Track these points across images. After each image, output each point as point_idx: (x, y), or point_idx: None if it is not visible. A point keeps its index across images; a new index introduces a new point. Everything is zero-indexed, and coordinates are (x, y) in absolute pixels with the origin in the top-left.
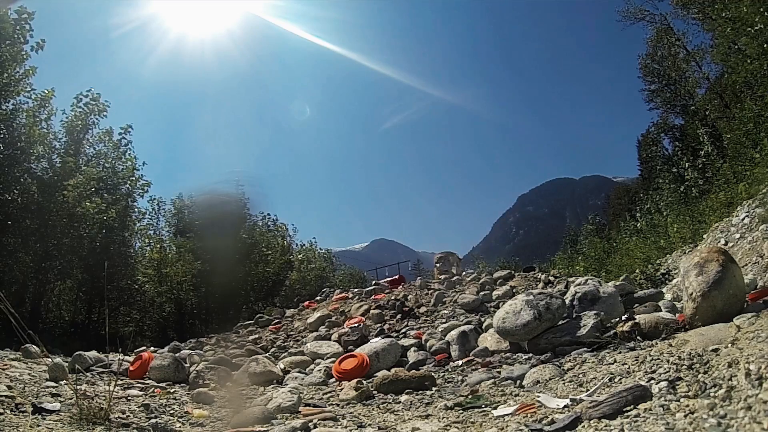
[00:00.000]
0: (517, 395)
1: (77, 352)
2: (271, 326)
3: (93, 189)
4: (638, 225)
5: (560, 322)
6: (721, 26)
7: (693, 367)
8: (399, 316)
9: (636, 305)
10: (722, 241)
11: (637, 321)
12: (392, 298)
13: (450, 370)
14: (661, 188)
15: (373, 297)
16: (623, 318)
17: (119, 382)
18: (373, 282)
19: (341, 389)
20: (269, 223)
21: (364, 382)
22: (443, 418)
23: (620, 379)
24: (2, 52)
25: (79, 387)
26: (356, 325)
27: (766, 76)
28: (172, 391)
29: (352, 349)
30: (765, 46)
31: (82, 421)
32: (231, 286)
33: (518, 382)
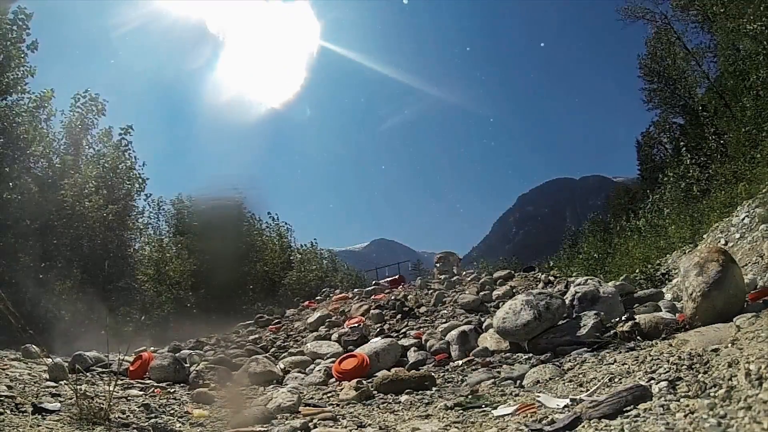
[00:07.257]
0: (517, 395)
1: (77, 352)
2: (271, 326)
3: (93, 188)
4: (638, 225)
5: (560, 322)
6: (721, 27)
7: (693, 367)
8: (399, 316)
9: (636, 305)
10: (722, 241)
11: (637, 321)
12: (392, 298)
13: (450, 370)
14: (663, 186)
15: (373, 297)
16: (623, 318)
17: (119, 382)
18: (373, 282)
19: (341, 389)
20: (269, 222)
21: (364, 382)
22: (443, 418)
23: (620, 379)
24: None
25: (79, 387)
26: (356, 325)
27: (766, 75)
28: (172, 391)
29: (352, 349)
30: (765, 44)
31: (82, 421)
32: (230, 286)
33: (518, 382)
